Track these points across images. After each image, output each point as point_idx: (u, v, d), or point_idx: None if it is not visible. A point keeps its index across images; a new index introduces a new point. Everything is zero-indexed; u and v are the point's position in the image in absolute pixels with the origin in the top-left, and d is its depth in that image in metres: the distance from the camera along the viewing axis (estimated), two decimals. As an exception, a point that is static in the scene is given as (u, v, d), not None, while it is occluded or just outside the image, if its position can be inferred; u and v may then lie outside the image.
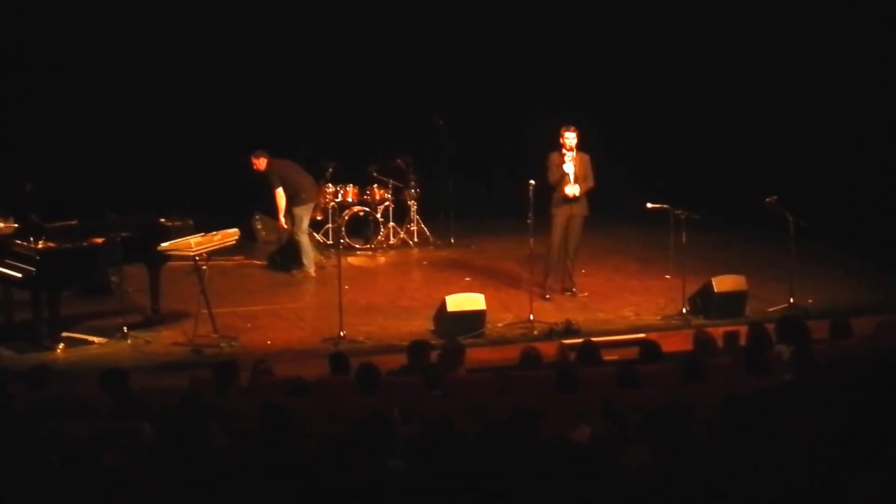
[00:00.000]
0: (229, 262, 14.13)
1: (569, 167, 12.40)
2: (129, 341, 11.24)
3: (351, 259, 14.80)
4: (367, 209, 15.54)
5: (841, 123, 15.53)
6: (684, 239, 11.86)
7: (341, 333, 11.17)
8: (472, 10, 17.11)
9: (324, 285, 13.45)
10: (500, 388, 8.28)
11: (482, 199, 16.78)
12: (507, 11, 17.17)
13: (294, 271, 14.12)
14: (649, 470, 5.45)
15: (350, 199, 15.49)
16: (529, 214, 11.86)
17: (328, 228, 15.50)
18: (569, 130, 12.40)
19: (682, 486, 5.22)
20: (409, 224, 15.81)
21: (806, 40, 15.74)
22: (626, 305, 12.46)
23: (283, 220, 13.90)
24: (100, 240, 11.32)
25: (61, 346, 11.00)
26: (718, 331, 10.12)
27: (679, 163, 16.62)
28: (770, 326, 9.20)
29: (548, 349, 9.82)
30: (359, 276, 13.96)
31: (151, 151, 15.83)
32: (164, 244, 11.58)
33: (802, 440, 5.68)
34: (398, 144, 16.00)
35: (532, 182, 11.82)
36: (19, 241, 11.18)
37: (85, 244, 11.30)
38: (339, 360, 8.96)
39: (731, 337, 9.67)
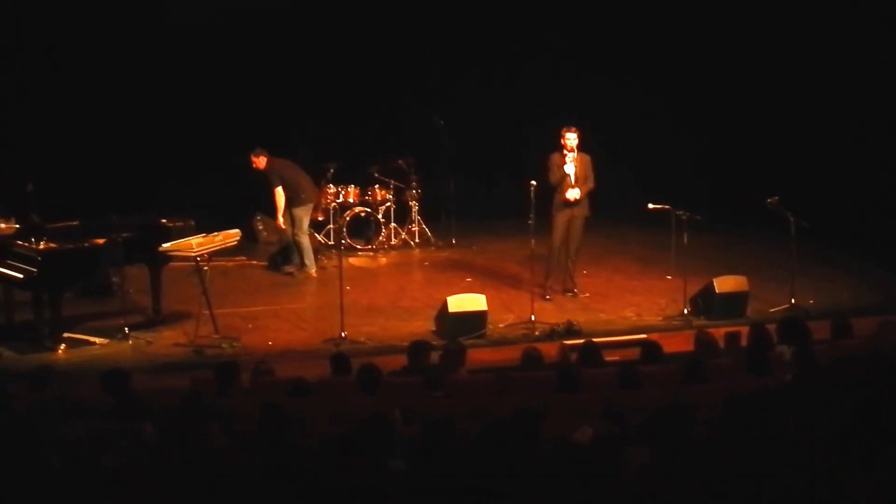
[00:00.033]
0: (230, 263, 14.14)
1: (570, 168, 12.39)
2: (130, 342, 11.26)
3: (352, 260, 14.81)
4: (369, 210, 15.54)
5: (842, 123, 15.54)
6: (685, 239, 11.86)
7: (342, 334, 11.17)
8: (472, 10, 17.11)
9: (325, 286, 13.45)
10: (502, 389, 8.28)
11: (483, 200, 16.79)
12: (507, 11, 17.17)
13: (285, 269, 14.10)
14: (650, 470, 5.44)
15: (351, 200, 15.49)
16: (531, 215, 11.86)
17: (329, 229, 15.50)
18: (570, 131, 12.40)
19: (684, 486, 5.22)
20: (411, 225, 15.81)
21: (806, 40, 15.74)
22: (628, 306, 12.46)
23: (281, 219, 13.89)
24: (101, 240, 11.32)
25: (62, 346, 11.01)
26: (720, 331, 10.12)
27: (680, 163, 16.62)
28: (771, 327, 9.19)
29: (549, 350, 9.81)
30: (360, 277, 13.97)
31: (153, 152, 15.83)
32: (165, 245, 11.59)
33: (803, 441, 5.68)
34: (399, 145, 16.01)
35: (533, 183, 11.82)
36: (21, 242, 11.18)
37: (86, 245, 11.30)
38: (340, 360, 8.96)
39: (732, 337, 9.67)
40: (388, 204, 15.63)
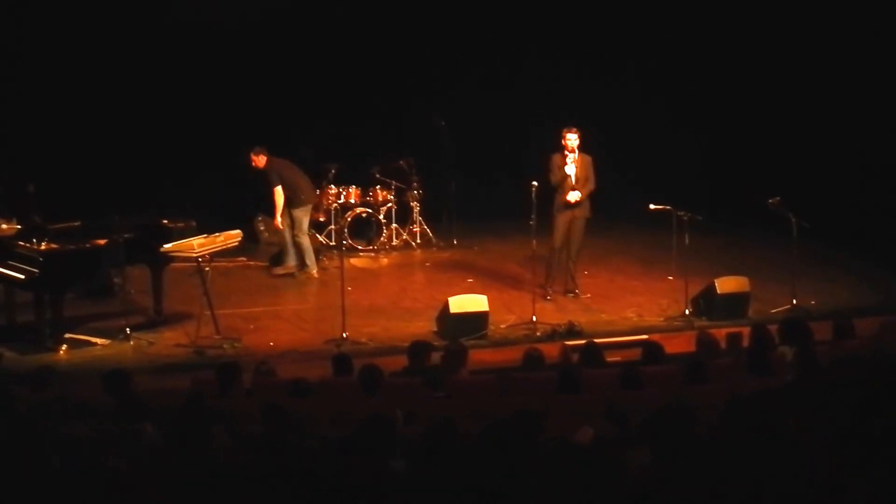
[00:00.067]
0: (232, 264, 14.15)
1: (570, 169, 12.39)
2: (131, 343, 11.26)
3: (353, 260, 14.81)
4: (370, 210, 15.53)
5: (843, 124, 15.54)
6: (687, 240, 11.86)
7: (344, 335, 11.17)
8: (472, 10, 17.12)
9: (326, 287, 13.45)
10: (503, 390, 8.28)
11: (485, 201, 16.78)
12: (507, 12, 17.17)
13: (275, 271, 14.09)
14: (651, 471, 5.44)
15: (353, 201, 15.48)
16: (532, 216, 11.86)
17: (331, 230, 15.50)
18: (570, 132, 12.40)
19: (685, 487, 5.22)
20: (412, 225, 15.81)
21: (806, 41, 15.75)
22: (629, 307, 12.45)
23: (279, 219, 13.87)
24: (102, 241, 11.32)
25: (64, 347, 11.01)
26: (721, 332, 10.12)
27: (681, 164, 16.61)
28: (773, 328, 9.19)
29: (550, 350, 9.81)
30: (361, 278, 13.97)
31: (154, 153, 15.85)
32: (166, 245, 11.60)
33: (805, 441, 5.67)
34: (400, 146, 16.01)
35: (535, 183, 11.81)
36: (22, 243, 11.19)
37: (88, 245, 11.31)
38: (341, 361, 8.96)
39: (733, 338, 9.67)
40: (390, 204, 15.63)
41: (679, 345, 10.31)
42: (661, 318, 11.96)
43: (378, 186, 15.62)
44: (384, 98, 16.94)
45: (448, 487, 5.26)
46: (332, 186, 15.40)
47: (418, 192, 15.72)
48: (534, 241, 12.09)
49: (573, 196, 12.39)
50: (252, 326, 11.89)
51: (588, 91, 16.73)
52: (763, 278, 12.65)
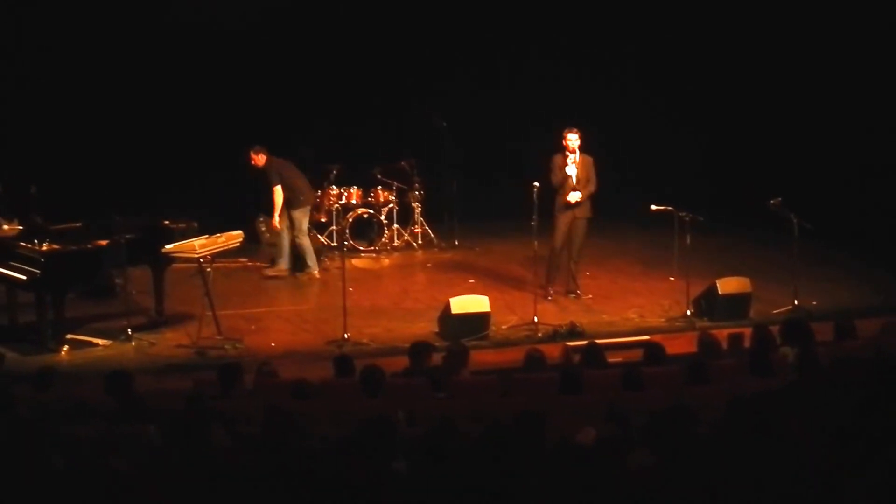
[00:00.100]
0: (233, 265, 14.15)
1: (571, 169, 12.40)
2: (133, 343, 11.26)
3: (355, 261, 14.78)
4: (371, 211, 15.53)
5: (844, 124, 15.53)
6: (688, 241, 11.85)
7: (345, 336, 11.17)
8: (472, 10, 17.12)
9: (328, 287, 13.45)
10: (504, 391, 8.28)
11: (486, 201, 16.76)
12: (507, 11, 17.17)
13: (267, 272, 14.09)
14: (653, 472, 5.44)
15: (354, 202, 15.48)
16: (533, 216, 11.85)
17: (332, 230, 15.50)
18: (571, 132, 12.40)
19: (687, 487, 5.22)
20: (413, 226, 15.81)
21: (807, 41, 15.74)
22: (630, 307, 12.45)
23: (276, 219, 13.86)
24: (104, 242, 11.32)
25: (66, 348, 11.02)
26: (723, 333, 10.12)
27: (682, 164, 16.61)
28: (774, 328, 9.19)
29: (552, 351, 9.83)
30: (363, 279, 13.96)
31: (155, 153, 15.84)
32: (168, 246, 11.60)
33: (806, 442, 5.68)
34: (402, 146, 16.01)
35: (536, 184, 11.81)
36: (24, 244, 11.19)
37: (89, 246, 11.31)
38: (343, 362, 8.96)
39: (735, 339, 9.67)
40: (391, 205, 15.62)
41: (680, 345, 10.32)
42: (663, 319, 11.95)
43: (379, 187, 15.62)
44: (385, 98, 16.94)
45: (450, 488, 5.26)
46: (334, 187, 15.40)
47: (420, 193, 15.72)
48: (535, 242, 12.09)
49: (574, 197, 12.40)
50: (253, 327, 11.89)
51: (588, 91, 16.73)
52: (764, 279, 12.64)
